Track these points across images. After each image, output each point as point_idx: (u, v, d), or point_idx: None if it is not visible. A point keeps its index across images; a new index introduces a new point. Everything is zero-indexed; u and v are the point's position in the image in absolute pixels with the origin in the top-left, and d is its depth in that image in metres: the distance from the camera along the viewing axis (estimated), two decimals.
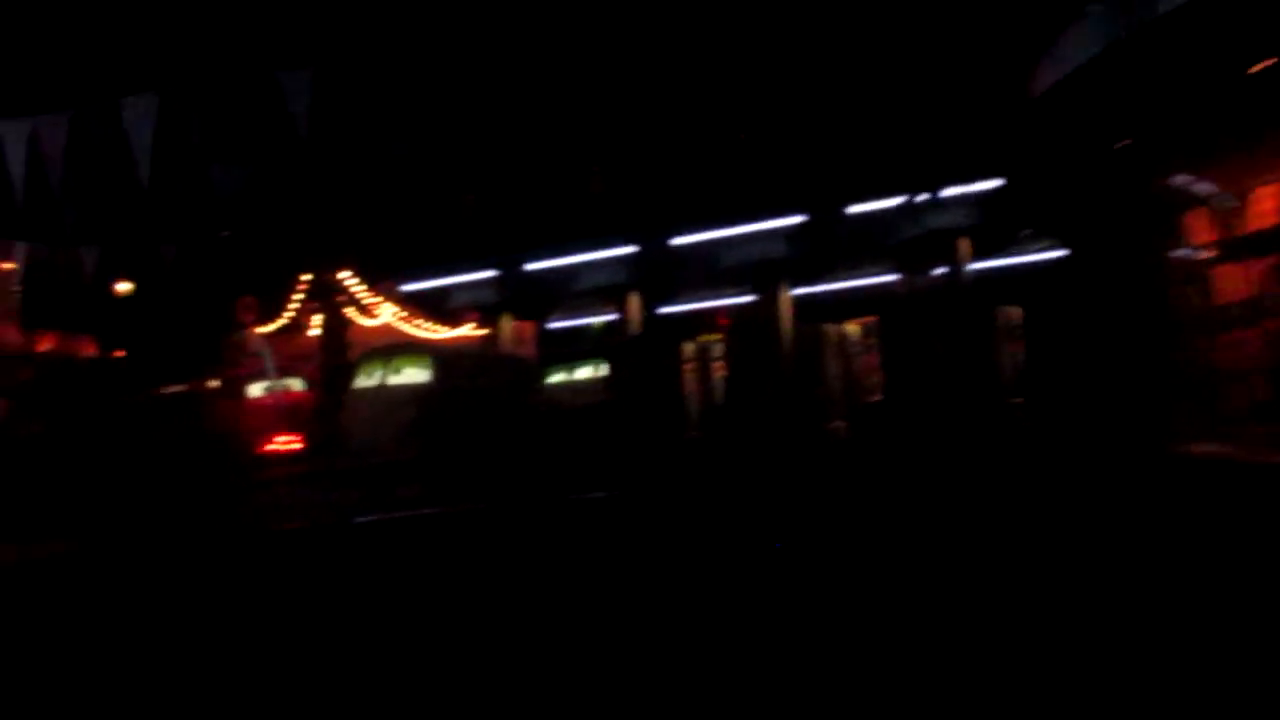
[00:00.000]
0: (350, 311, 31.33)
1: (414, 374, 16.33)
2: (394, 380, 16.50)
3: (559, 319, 22.48)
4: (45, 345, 25.34)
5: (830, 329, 18.75)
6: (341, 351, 29.19)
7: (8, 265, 26.28)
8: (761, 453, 15.43)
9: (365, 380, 16.89)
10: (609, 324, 22.70)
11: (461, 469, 14.65)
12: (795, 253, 17.10)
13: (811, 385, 18.28)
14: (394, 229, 22.88)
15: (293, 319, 31.80)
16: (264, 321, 31.11)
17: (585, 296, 20.00)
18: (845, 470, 14.03)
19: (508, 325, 21.95)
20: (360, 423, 16.36)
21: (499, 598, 6.41)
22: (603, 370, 17.17)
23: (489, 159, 18.76)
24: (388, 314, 32.54)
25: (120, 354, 27.50)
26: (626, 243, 18.58)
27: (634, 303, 19.48)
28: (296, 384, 30.14)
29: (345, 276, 31.76)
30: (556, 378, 17.65)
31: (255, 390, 29.38)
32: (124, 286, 29.04)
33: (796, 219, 16.62)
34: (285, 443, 26.94)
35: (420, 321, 33.23)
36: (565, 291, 19.56)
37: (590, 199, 18.54)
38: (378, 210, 24.41)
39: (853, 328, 19.33)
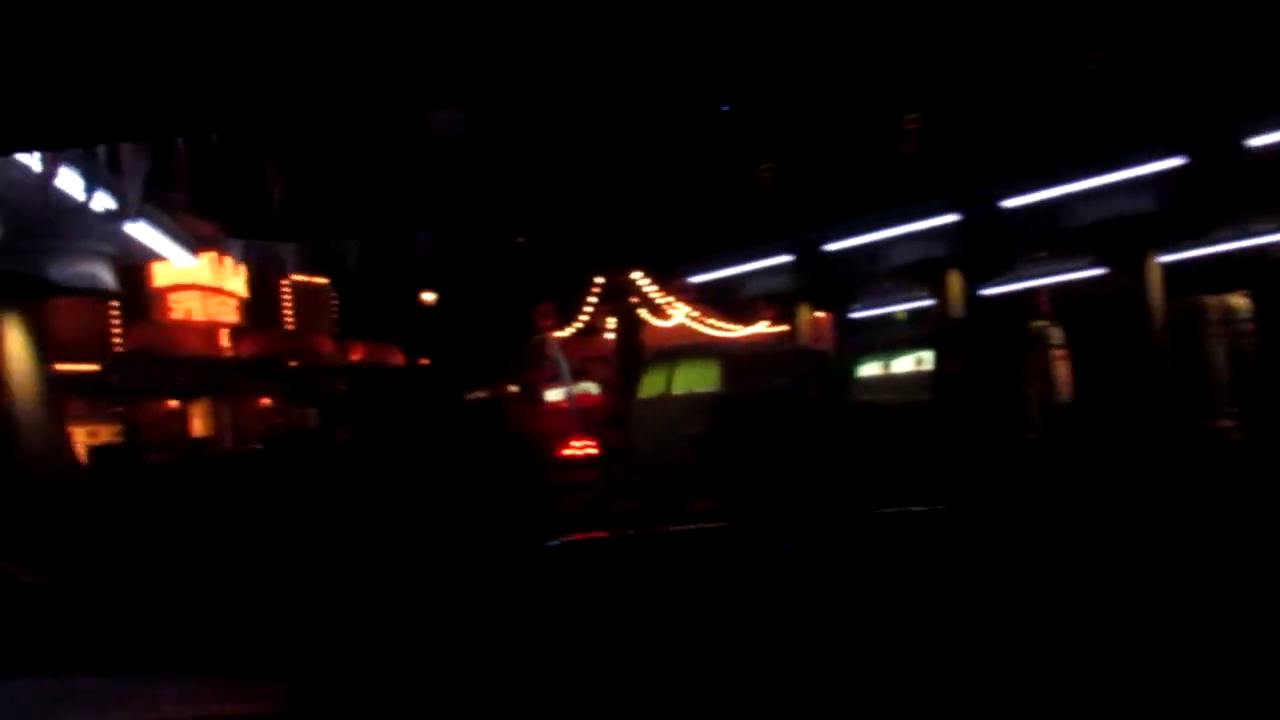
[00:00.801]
0: (643, 312, 30.37)
1: (700, 380, 14.18)
2: (678, 388, 14.43)
3: (861, 307, 19.60)
4: (356, 356, 25.76)
5: (1212, 302, 14.68)
6: (636, 353, 28.20)
7: (322, 280, 27.16)
8: (1128, 457, 12.02)
9: (649, 389, 14.97)
10: (912, 313, 19.74)
11: (760, 480, 12.40)
12: (1169, 207, 13.31)
13: (1188, 373, 14.38)
14: (685, 219, 21.00)
15: (587, 322, 31.31)
16: (560, 326, 30.76)
17: (894, 279, 17.08)
18: (1241, 481, 10.58)
19: (805, 316, 19.38)
20: (644, 435, 14.46)
21: (807, 626, 5.46)
22: (923, 363, 14.24)
23: (783, 126, 16.33)
24: (681, 314, 31.28)
25: (425, 362, 27.65)
26: (946, 210, 15.45)
27: (954, 282, 16.33)
28: (592, 387, 29.53)
29: (637, 277, 30.80)
30: (867, 372, 14.89)
31: (552, 395, 28.94)
32: (428, 296, 29.34)
33: (1173, 161, 12.80)
34: (581, 447, 26.11)
35: (713, 321, 31.67)
36: (870, 274, 16.75)
37: (899, 162, 15.62)
38: (668, 202, 22.67)
39: (1239, 301, 15.11)
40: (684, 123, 18.43)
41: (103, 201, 9.93)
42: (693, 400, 14.01)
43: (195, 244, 12.81)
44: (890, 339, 16.19)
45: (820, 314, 20.10)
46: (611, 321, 30.46)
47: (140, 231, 11.02)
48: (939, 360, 13.77)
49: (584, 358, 30.31)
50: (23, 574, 8.46)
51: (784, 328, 23.25)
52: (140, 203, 9.73)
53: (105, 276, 11.36)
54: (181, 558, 9.85)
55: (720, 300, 31.77)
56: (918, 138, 15.44)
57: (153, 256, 12.38)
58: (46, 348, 12.61)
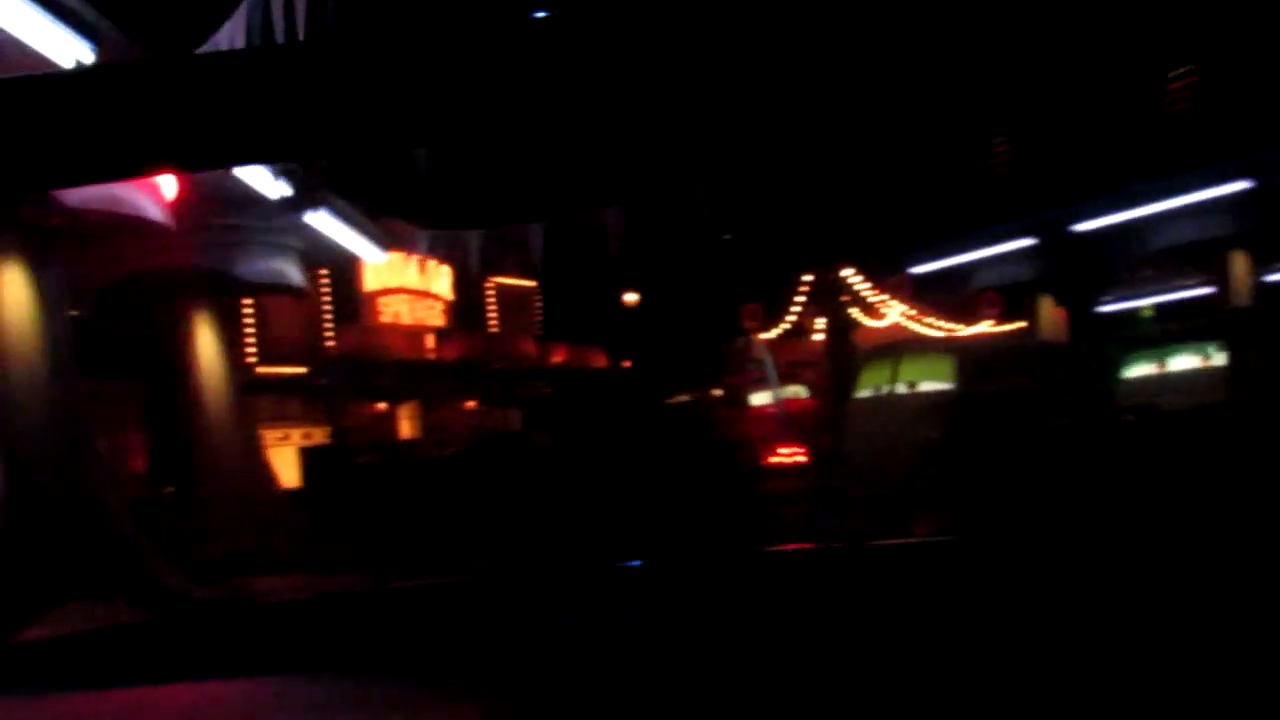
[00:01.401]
0: (855, 312, 28.27)
1: (929, 378, 12.20)
2: (904, 387, 12.48)
3: (1109, 300, 16.89)
4: (558, 358, 25.07)
5: None
6: (847, 355, 26.20)
7: (527, 282, 26.73)
8: None
9: (869, 388, 13.05)
10: (1160, 307, 16.82)
11: (1007, 495, 10.48)
12: None
13: None
14: (905, 206, 18.92)
15: (795, 323, 29.47)
16: (766, 327, 29.12)
17: (1155, 264, 14.42)
18: None
19: (1046, 311, 16.88)
20: (864, 440, 12.61)
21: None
22: (1209, 359, 11.62)
23: (1019, 92, 14.05)
24: (895, 313, 28.96)
25: (627, 364, 26.65)
26: (1227, 178, 12.75)
27: (1239, 266, 13.54)
28: (800, 391, 27.76)
29: (849, 273, 28.73)
30: (1137, 372, 12.39)
31: (758, 399, 27.36)
32: (631, 297, 28.39)
33: None
34: (788, 455, 24.48)
35: (932, 320, 29.22)
36: (1127, 258, 14.17)
37: (1172, 125, 13.03)
38: (885, 189, 20.59)
39: None
40: (903, 100, 16.43)
41: (278, 189, 9.32)
42: (921, 401, 12.06)
43: (385, 239, 12.13)
44: (1158, 332, 13.55)
45: (1057, 308, 17.48)
46: (820, 322, 28.60)
47: (324, 224, 10.32)
48: (1234, 355, 11.19)
49: (791, 360, 28.56)
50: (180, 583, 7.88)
51: (1016, 325, 20.67)
52: (318, 191, 9.02)
53: (292, 273, 10.79)
54: (389, 558, 9.90)
55: (939, 297, 29.31)
56: (1192, 95, 12.81)
57: (340, 252, 11.77)
58: (236, 346, 12.21)
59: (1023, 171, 15.55)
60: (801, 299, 29.58)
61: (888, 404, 12.55)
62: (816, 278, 28.80)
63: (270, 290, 11.59)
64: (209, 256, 9.87)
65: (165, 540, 8.85)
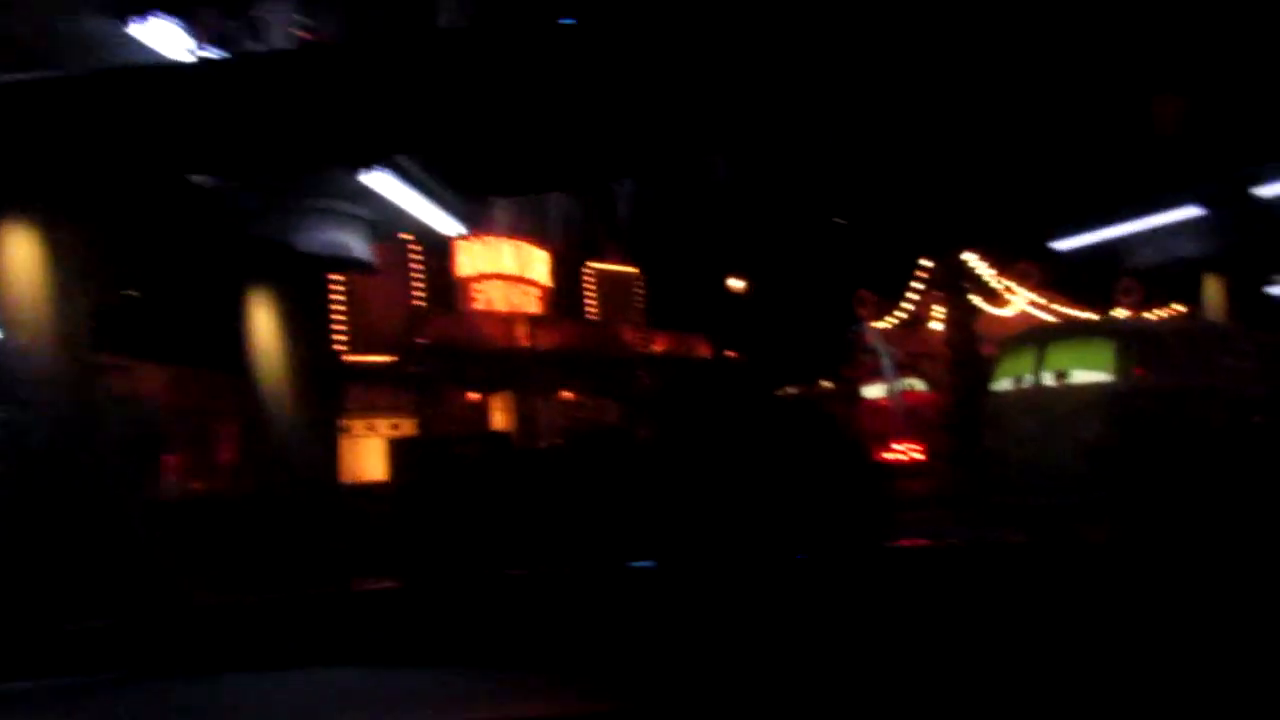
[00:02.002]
0: (977, 299, 26.04)
1: (1085, 366, 10.20)
2: (1059, 378, 10.48)
3: None
4: (661, 347, 23.58)
5: None
6: (969, 346, 24.06)
7: (629, 269, 25.34)
8: None
9: (1013, 379, 11.08)
10: None
11: (1189, 508, 8.61)
12: None
13: None
14: (1045, 173, 16.71)
15: (912, 312, 27.40)
16: (881, 315, 27.15)
17: None
18: None
19: (1214, 293, 14.50)
20: (1011, 440, 10.67)
21: None
22: None
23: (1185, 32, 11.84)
24: (1022, 300, 26.64)
25: (734, 354, 24.99)
26: None
27: None
28: (918, 384, 25.82)
29: (971, 258, 26.49)
30: None
31: (873, 392, 25.50)
32: (738, 284, 26.68)
33: None
34: (905, 451, 22.75)
35: (1061, 307, 26.85)
36: None
37: None
38: (1014, 158, 18.36)
39: None
40: (1040, 56, 14.27)
41: None
42: (1082, 395, 10.10)
43: (469, 214, 10.85)
44: None
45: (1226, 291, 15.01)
46: (940, 310, 26.48)
47: (392, 190, 9.04)
48: None
49: (908, 351, 26.65)
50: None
51: (1175, 310, 18.25)
52: None
53: (356, 246, 9.55)
54: (478, 554, 9.18)
55: (1076, 281, 26.93)
56: None
57: (422, 229, 10.50)
58: (316, 332, 11.05)
59: (1193, 129, 13.25)
60: (920, 285, 27.53)
61: (1039, 398, 10.58)
62: (937, 263, 26.72)
63: (331, 266, 10.42)
64: (258, 224, 8.71)
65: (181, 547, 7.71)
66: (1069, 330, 11.24)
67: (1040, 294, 26.52)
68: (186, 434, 14.72)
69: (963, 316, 25.18)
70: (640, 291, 25.66)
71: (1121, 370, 9.99)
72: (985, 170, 21.77)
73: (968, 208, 23.01)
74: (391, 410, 18.50)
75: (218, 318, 9.60)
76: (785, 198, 27.83)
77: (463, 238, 20.80)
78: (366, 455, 17.60)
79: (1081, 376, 10.33)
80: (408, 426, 18.44)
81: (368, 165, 8.03)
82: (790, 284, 28.25)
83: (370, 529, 11.30)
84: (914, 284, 27.29)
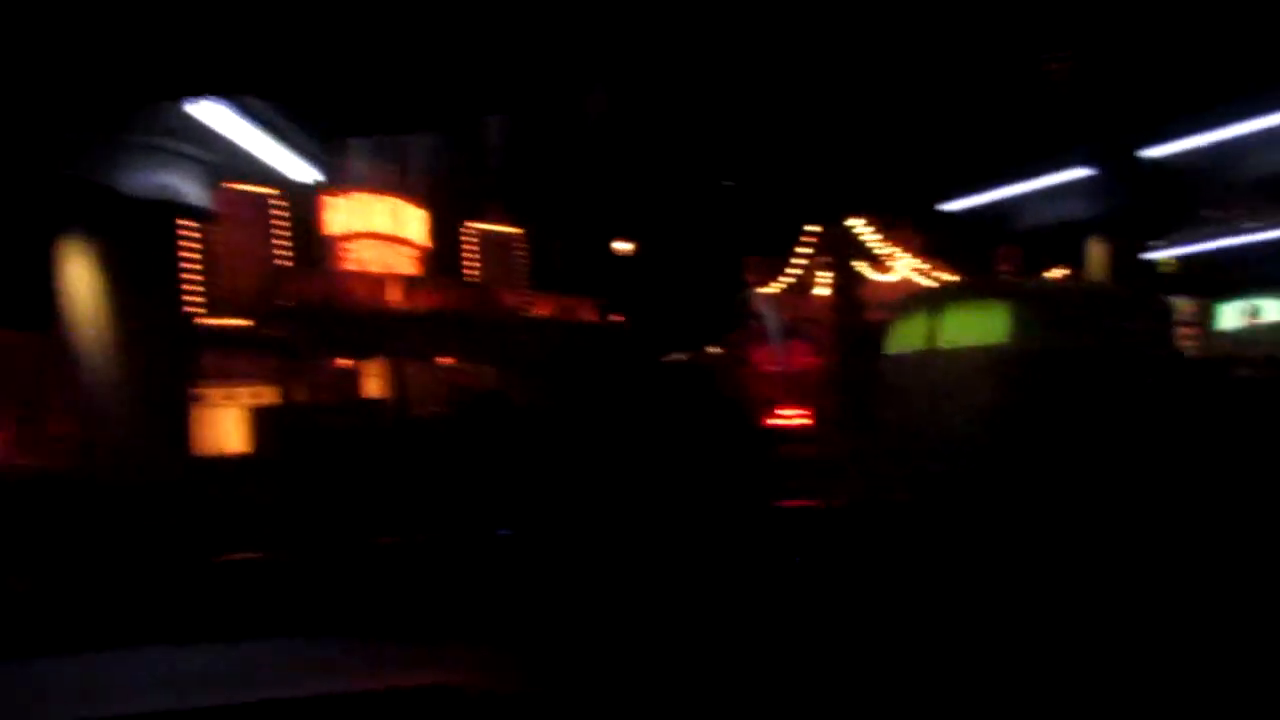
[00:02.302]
0: (862, 266, 25.93)
1: (986, 329, 9.80)
2: (952, 340, 10.05)
3: (1180, 242, 14.45)
4: (545, 310, 22.65)
5: None
6: (854, 312, 23.91)
7: (512, 229, 24.25)
8: None
9: (905, 341, 10.63)
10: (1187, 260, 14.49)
11: (1088, 475, 8.37)
12: None
13: None
14: (934, 136, 16.42)
15: (799, 277, 27.15)
16: (768, 281, 26.80)
17: (1248, 199, 12.01)
18: None
19: (1099, 256, 14.45)
20: (901, 407, 10.23)
21: None
22: None
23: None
24: (905, 267, 26.68)
25: (620, 319, 24.26)
26: None
27: None
28: (803, 349, 25.62)
29: (858, 224, 26.33)
30: (1234, 323, 9.96)
31: (760, 357, 25.19)
32: (624, 247, 25.90)
33: None
34: (791, 417, 22.48)
35: (944, 275, 27.02)
36: (1216, 188, 11.74)
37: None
38: (905, 119, 18.07)
39: None
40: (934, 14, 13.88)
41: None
42: (977, 358, 9.71)
43: (319, 155, 9.68)
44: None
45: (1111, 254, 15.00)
46: (825, 276, 26.30)
47: (232, 127, 7.88)
48: None
49: (795, 318, 26.46)
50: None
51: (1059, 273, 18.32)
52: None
53: (194, 192, 8.34)
54: (346, 525, 8.87)
55: (952, 249, 27.17)
56: None
57: (262, 169, 9.32)
58: (160, 292, 9.79)
59: (1082, 91, 13.05)
60: (806, 251, 27.28)
61: (934, 361, 10.14)
62: (825, 229, 26.48)
63: (162, 212, 9.10)
64: (73, 162, 7.43)
65: None
66: (965, 292, 10.82)
67: (922, 259, 26.63)
68: (11, 402, 13.17)
69: (848, 282, 25.08)
70: (522, 253, 24.63)
71: (1017, 332, 9.63)
72: (874, 134, 21.50)
73: (856, 172, 22.76)
74: (253, 378, 17.11)
75: (21, 268, 8.28)
76: (673, 160, 27.12)
77: (332, 193, 19.41)
78: (226, 426, 16.28)
79: (977, 339, 9.94)
80: (271, 395, 17.10)
81: (197, 94, 6.88)
82: (678, 248, 27.65)
83: (227, 503, 10.36)
84: (800, 250, 27.05)
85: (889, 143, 21.09)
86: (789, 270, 27.37)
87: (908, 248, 26.42)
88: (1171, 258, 15.33)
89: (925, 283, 27.17)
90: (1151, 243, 15.46)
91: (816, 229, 26.94)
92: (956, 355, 10.07)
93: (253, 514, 9.92)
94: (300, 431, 13.80)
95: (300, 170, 9.17)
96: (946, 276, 27.02)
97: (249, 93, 7.44)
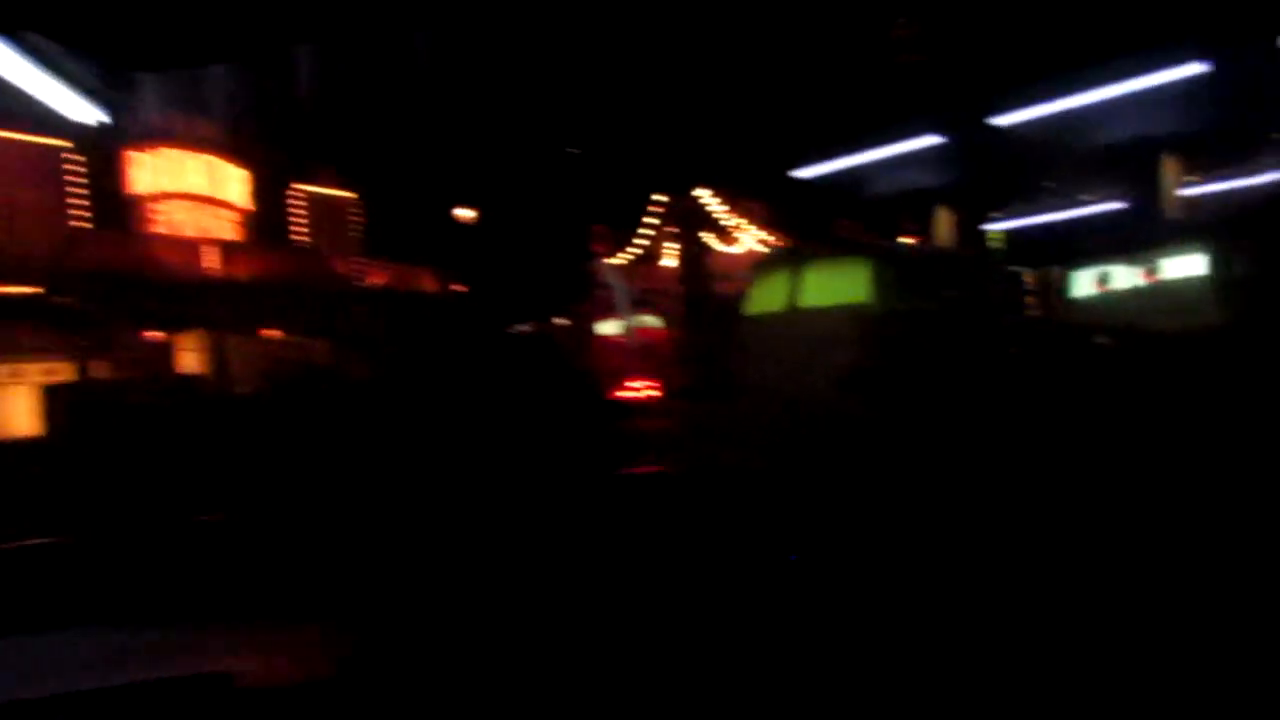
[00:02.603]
0: (709, 237, 25.67)
1: (847, 289, 9.40)
2: (814, 300, 9.60)
3: (1015, 214, 14.60)
4: (382, 279, 21.28)
5: None
6: (703, 283, 23.58)
7: (344, 193, 22.68)
8: None
9: (765, 302, 10.12)
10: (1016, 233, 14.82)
11: (952, 438, 8.05)
12: None
13: None
14: (781, 107, 16.06)
15: (646, 247, 26.68)
16: (615, 251, 26.20)
17: (1090, 170, 12.08)
18: None
19: (946, 224, 14.44)
20: (760, 369, 9.74)
21: None
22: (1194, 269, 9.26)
23: None
24: (750, 239, 26.60)
25: (462, 289, 23.17)
26: (1191, 58, 10.35)
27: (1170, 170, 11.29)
28: (653, 321, 25.14)
29: (705, 194, 26.02)
30: (1086, 291, 9.91)
31: (607, 328, 24.54)
32: (466, 214, 24.68)
33: None
34: (640, 389, 21.98)
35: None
36: (1063, 160, 11.73)
37: None
38: (755, 87, 17.67)
39: None
40: None
41: None
42: (837, 319, 9.30)
43: (103, 92, 8.28)
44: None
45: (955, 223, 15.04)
46: (673, 247, 25.93)
47: None
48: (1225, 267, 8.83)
49: (643, 287, 25.98)
50: None
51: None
52: None
53: None
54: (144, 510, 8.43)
55: (796, 220, 27.31)
56: None
57: (30, 106, 7.87)
58: None
59: (934, 60, 12.88)
60: (654, 220, 26.83)
61: (793, 323, 9.68)
62: (672, 198, 26.07)
63: None
64: None
65: None
66: (825, 251, 10.39)
67: (768, 231, 26.61)
68: None
69: (695, 253, 24.77)
70: (356, 219, 23.10)
71: (878, 293, 9.25)
72: (724, 102, 21.07)
73: (706, 141, 22.32)
74: (47, 352, 15.24)
75: None
76: (518, 126, 26.09)
77: (138, 148, 17.50)
78: (13, 406, 14.48)
79: (839, 299, 9.52)
80: (69, 372, 15.27)
81: None
82: (523, 216, 26.70)
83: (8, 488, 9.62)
84: (648, 220, 26.58)
85: (739, 111, 20.71)
86: (636, 240, 26.89)
87: (753, 219, 26.34)
88: (1000, 230, 15.57)
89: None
90: (993, 213, 15.63)
91: (664, 199, 26.51)
92: (818, 315, 9.64)
93: (39, 500, 9.10)
94: (97, 410, 12.46)
95: (81, 109, 7.80)
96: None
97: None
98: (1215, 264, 8.75)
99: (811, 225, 26.29)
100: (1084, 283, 10.02)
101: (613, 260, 25.79)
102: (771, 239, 27.38)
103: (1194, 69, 10.65)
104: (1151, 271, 9.71)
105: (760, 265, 11.18)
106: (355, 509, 8.03)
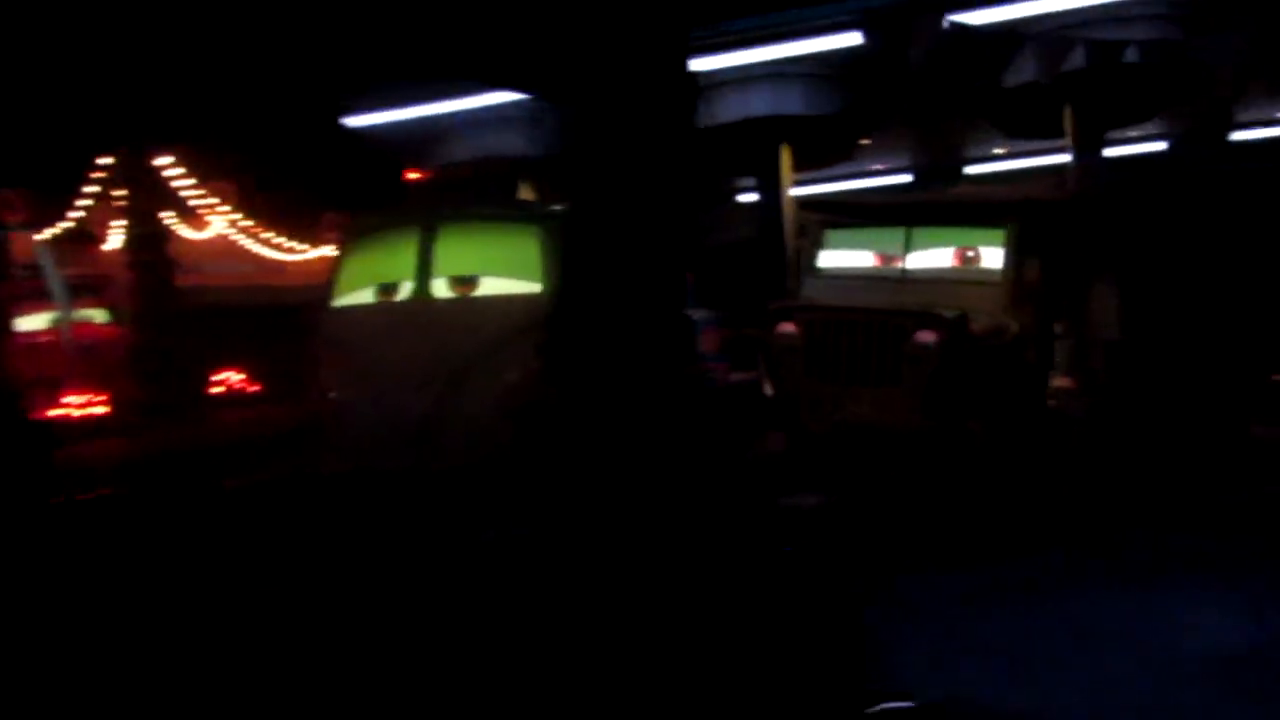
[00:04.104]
0: (171, 218, 20.90)
1: (505, 266, 6.81)
2: (458, 286, 6.90)
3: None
4: None
5: None
6: (160, 271, 18.96)
7: None
8: None
9: (371, 289, 7.18)
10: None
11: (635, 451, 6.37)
12: None
13: None
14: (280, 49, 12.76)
15: (81, 222, 20.98)
16: (43, 225, 20.25)
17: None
18: None
19: (529, 196, 12.53)
20: (368, 379, 6.86)
21: None
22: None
23: None
24: (222, 223, 22.36)
25: None
26: None
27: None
28: (97, 315, 20.30)
29: (167, 161, 21.09)
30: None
31: (31, 323, 19.16)
32: None
33: None
34: (83, 404, 18.05)
35: (270, 236, 23.50)
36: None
37: None
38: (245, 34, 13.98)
39: None
40: None
41: None
42: (496, 309, 6.83)
43: None
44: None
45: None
46: (120, 225, 20.69)
47: None
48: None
49: (82, 274, 20.58)
50: None
51: None
52: None
53: None
54: None
55: (286, 208, 23.93)
56: None
57: None
58: None
59: None
60: (96, 190, 21.15)
61: (421, 317, 6.91)
62: (119, 161, 20.65)
63: None
64: None
65: None
66: (468, 214, 7.70)
67: (244, 215, 22.64)
68: None
69: (151, 235, 19.98)
70: None
71: (549, 272, 6.90)
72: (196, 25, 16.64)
73: (173, 79, 17.39)
74: None
75: None
76: None
77: None
78: None
79: (493, 284, 6.98)
80: None
81: None
82: None
83: None
84: (87, 188, 20.91)
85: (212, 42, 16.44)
86: (71, 214, 21.10)
87: (224, 200, 22.15)
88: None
89: (246, 244, 23.33)
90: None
91: (109, 161, 20.82)
92: (463, 306, 6.96)
93: None
94: None
95: None
96: (274, 240, 23.46)
97: None
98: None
99: (300, 213, 22.88)
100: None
101: (41, 236, 20.13)
102: (251, 225, 23.47)
103: None
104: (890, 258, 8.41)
105: (358, 229, 8.07)
106: None
